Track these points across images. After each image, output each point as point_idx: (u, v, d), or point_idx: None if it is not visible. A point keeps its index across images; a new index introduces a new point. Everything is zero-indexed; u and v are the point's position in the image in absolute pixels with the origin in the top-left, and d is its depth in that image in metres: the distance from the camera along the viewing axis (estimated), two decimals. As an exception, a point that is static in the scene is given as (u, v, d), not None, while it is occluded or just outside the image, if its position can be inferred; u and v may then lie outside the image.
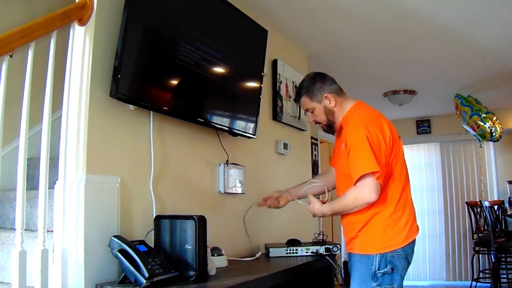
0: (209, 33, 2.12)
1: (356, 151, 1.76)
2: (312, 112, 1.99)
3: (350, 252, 1.90)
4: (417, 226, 1.87)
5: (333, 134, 2.09)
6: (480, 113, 4.89)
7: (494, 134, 4.95)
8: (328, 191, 2.13)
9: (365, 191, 1.71)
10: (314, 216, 2.01)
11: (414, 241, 1.82)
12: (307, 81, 2.00)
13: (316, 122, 2.02)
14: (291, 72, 3.20)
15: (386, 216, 1.79)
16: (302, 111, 3.29)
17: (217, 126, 2.22)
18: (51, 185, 1.54)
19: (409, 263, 1.81)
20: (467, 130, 5.18)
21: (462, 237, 6.18)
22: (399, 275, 1.76)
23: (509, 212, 5.52)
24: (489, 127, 4.89)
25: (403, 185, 1.85)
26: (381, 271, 1.74)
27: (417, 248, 1.85)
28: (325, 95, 1.94)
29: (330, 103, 1.94)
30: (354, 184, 1.75)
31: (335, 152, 2.11)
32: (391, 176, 1.82)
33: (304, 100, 1.99)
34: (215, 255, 1.93)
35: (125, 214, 1.69)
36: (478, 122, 4.89)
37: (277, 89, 2.99)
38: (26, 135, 1.43)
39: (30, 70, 1.46)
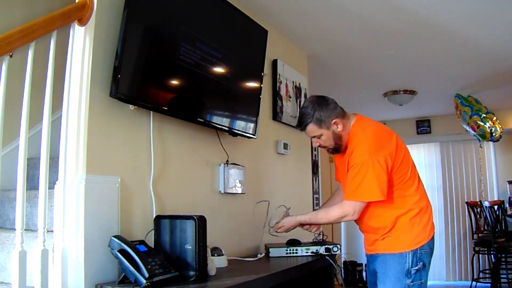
0: (209, 33, 2.12)
1: (354, 175, 1.84)
2: (319, 137, 1.97)
3: (375, 253, 1.95)
4: (433, 223, 1.97)
5: (336, 153, 2.09)
6: (480, 113, 4.89)
7: (494, 134, 4.95)
8: None
9: (350, 211, 1.88)
10: (286, 229, 2.13)
11: (434, 234, 1.94)
12: (312, 107, 1.93)
13: (322, 147, 2.01)
14: (291, 72, 3.20)
15: (411, 216, 1.88)
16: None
17: (217, 126, 2.22)
18: (51, 185, 1.54)
19: (431, 257, 1.92)
20: (467, 130, 5.18)
21: (462, 237, 6.18)
22: (426, 270, 1.87)
23: (509, 212, 5.52)
24: (489, 127, 4.89)
25: (417, 184, 1.96)
26: (414, 268, 1.83)
27: (417, 248, 1.92)
28: (334, 120, 1.92)
29: (338, 127, 1.93)
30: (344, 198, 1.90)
31: (339, 168, 2.14)
32: (406, 181, 1.91)
33: (312, 127, 1.94)
34: (215, 255, 1.93)
35: (125, 214, 1.68)
36: (478, 122, 4.89)
37: (277, 89, 2.99)
38: (26, 135, 1.43)
39: (30, 70, 1.46)
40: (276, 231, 2.15)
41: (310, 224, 2.12)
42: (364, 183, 1.82)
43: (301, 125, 1.98)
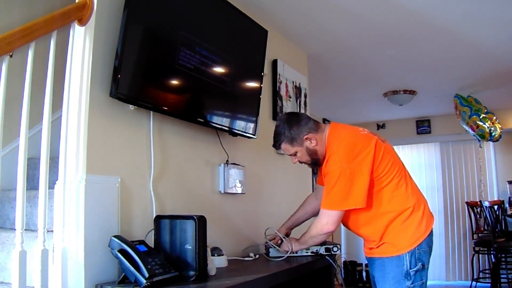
0: (209, 34, 2.12)
1: (328, 182, 1.84)
2: (295, 154, 1.99)
3: (373, 257, 1.93)
4: (431, 213, 1.94)
5: (317, 168, 2.09)
6: (480, 113, 4.89)
7: (493, 134, 4.95)
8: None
9: (323, 222, 1.87)
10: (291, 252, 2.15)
11: (432, 230, 1.90)
12: (282, 126, 1.96)
13: (301, 162, 2.03)
14: (291, 72, 3.20)
15: (404, 218, 1.85)
16: (303, 112, 3.29)
17: (217, 126, 2.22)
18: (51, 185, 1.54)
19: (430, 255, 1.89)
20: (466, 130, 5.18)
21: (462, 237, 6.18)
22: (426, 270, 1.84)
23: (509, 212, 5.52)
24: (488, 127, 4.89)
25: (405, 182, 1.90)
26: (413, 269, 1.80)
27: (417, 248, 1.90)
28: (305, 136, 1.93)
29: (311, 143, 1.93)
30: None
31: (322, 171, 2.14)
32: (392, 182, 1.86)
33: (285, 146, 1.97)
34: (215, 255, 1.93)
35: (125, 214, 1.69)
36: (477, 122, 4.89)
37: (277, 89, 2.99)
38: (26, 135, 1.43)
39: (30, 70, 1.46)
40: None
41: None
42: (333, 192, 1.80)
43: (275, 145, 2.02)
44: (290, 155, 2.01)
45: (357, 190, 1.79)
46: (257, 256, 2.30)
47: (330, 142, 1.91)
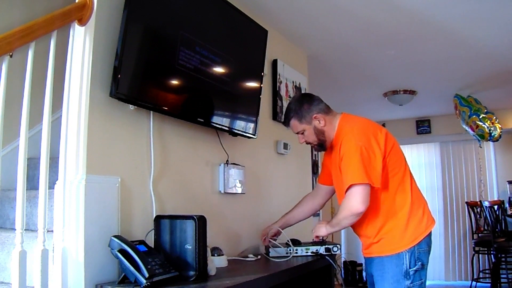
0: (209, 34, 2.12)
1: (346, 161, 1.80)
2: (303, 133, 2.00)
3: (371, 256, 1.92)
4: (433, 217, 1.93)
5: (323, 151, 2.09)
6: (479, 113, 4.89)
7: (493, 134, 4.95)
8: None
9: (353, 202, 1.77)
10: (322, 236, 2.07)
11: (431, 232, 1.89)
12: (294, 103, 2.00)
13: (307, 143, 2.03)
14: (291, 72, 3.20)
15: (405, 213, 1.84)
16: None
17: (217, 126, 2.22)
18: (51, 185, 1.54)
19: (429, 255, 1.88)
20: (466, 130, 5.18)
21: (462, 237, 6.18)
22: (425, 269, 1.84)
23: (509, 212, 5.52)
24: (487, 127, 4.89)
25: (410, 182, 1.91)
26: (413, 269, 1.79)
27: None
28: (314, 115, 1.95)
29: (320, 123, 1.95)
30: (345, 193, 1.81)
31: (326, 168, 2.16)
32: (400, 171, 1.88)
33: (294, 123, 1.99)
34: (215, 255, 1.93)
35: (125, 214, 1.69)
36: (477, 122, 4.89)
37: (277, 89, 2.99)
38: (26, 135, 1.43)
39: (30, 70, 1.46)
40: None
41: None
42: (356, 167, 1.76)
43: (285, 121, 2.04)
44: (298, 133, 2.01)
45: (374, 168, 1.77)
46: (259, 256, 2.29)
47: (342, 127, 1.93)
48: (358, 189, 1.75)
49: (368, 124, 1.92)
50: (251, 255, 2.28)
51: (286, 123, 2.04)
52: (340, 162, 1.84)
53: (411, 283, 1.79)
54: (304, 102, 1.98)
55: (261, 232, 2.34)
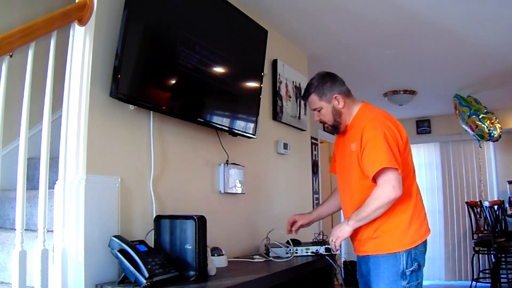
0: (209, 34, 2.12)
1: (373, 148, 1.76)
2: (319, 111, 1.97)
3: (367, 255, 1.89)
4: (429, 227, 1.92)
5: (335, 134, 2.07)
6: (479, 113, 4.89)
7: (492, 134, 4.95)
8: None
9: (389, 188, 1.71)
10: (341, 239, 1.88)
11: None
12: (317, 79, 1.96)
13: (321, 122, 2.00)
14: (291, 72, 3.20)
15: (410, 213, 1.82)
16: (303, 112, 3.29)
17: (217, 126, 2.22)
18: (51, 185, 1.54)
19: (425, 256, 1.87)
20: (466, 130, 5.18)
21: (462, 237, 6.18)
22: (421, 270, 1.82)
23: (509, 212, 5.52)
24: (487, 127, 4.89)
25: (416, 184, 1.92)
26: (409, 269, 1.77)
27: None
28: (335, 95, 1.93)
29: (339, 104, 1.93)
30: (373, 181, 1.75)
31: (337, 156, 2.10)
32: (409, 172, 1.86)
33: (313, 98, 1.96)
34: (215, 255, 1.93)
35: (125, 214, 1.69)
36: (476, 122, 4.89)
37: (277, 89, 2.99)
38: (26, 135, 1.43)
39: (30, 70, 1.46)
40: (334, 248, 1.92)
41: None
42: (385, 151, 1.73)
43: (304, 94, 2.00)
44: (315, 109, 1.98)
45: (397, 157, 1.75)
46: (262, 259, 2.29)
47: (364, 113, 1.91)
48: (392, 175, 1.70)
49: (390, 116, 1.92)
50: (256, 256, 2.28)
51: (305, 97, 2.00)
52: (361, 149, 1.79)
53: (408, 283, 1.77)
54: (327, 80, 1.95)
55: (288, 220, 2.25)
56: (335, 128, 1.98)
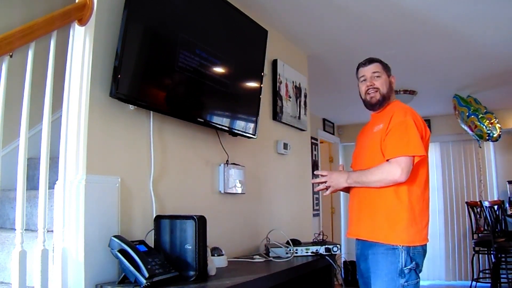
0: (209, 35, 2.12)
1: (399, 131, 1.83)
2: (378, 76, 2.03)
3: (365, 240, 1.91)
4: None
5: (371, 109, 2.08)
6: (478, 113, 4.89)
7: (491, 134, 4.95)
8: None
9: (397, 170, 1.77)
10: (332, 189, 1.97)
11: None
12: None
13: (373, 88, 2.02)
14: (291, 72, 3.20)
15: (419, 210, 1.84)
16: (303, 112, 3.29)
17: (217, 126, 2.22)
18: (51, 185, 1.55)
19: (424, 258, 1.89)
20: (465, 130, 5.18)
21: (462, 237, 6.18)
22: (419, 270, 1.84)
23: (509, 212, 5.52)
24: (486, 127, 4.89)
25: (428, 190, 1.93)
26: (408, 267, 1.79)
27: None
28: (393, 76, 2.09)
29: (393, 83, 2.08)
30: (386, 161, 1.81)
31: (357, 144, 2.15)
32: (426, 174, 1.90)
33: (378, 65, 2.06)
34: (215, 255, 1.93)
35: (125, 214, 1.69)
36: (475, 122, 4.89)
37: (277, 89, 2.99)
38: (26, 135, 1.43)
39: (30, 70, 1.46)
40: (320, 191, 1.97)
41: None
42: (408, 138, 1.80)
43: (368, 59, 2.08)
44: (374, 73, 2.03)
45: (421, 143, 1.81)
46: (262, 259, 2.29)
47: (396, 104, 2.02)
48: (405, 159, 1.77)
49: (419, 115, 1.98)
50: (256, 256, 2.28)
51: (368, 61, 2.07)
52: (387, 130, 1.85)
53: (406, 281, 1.78)
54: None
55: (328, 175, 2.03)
56: (379, 102, 2.02)
